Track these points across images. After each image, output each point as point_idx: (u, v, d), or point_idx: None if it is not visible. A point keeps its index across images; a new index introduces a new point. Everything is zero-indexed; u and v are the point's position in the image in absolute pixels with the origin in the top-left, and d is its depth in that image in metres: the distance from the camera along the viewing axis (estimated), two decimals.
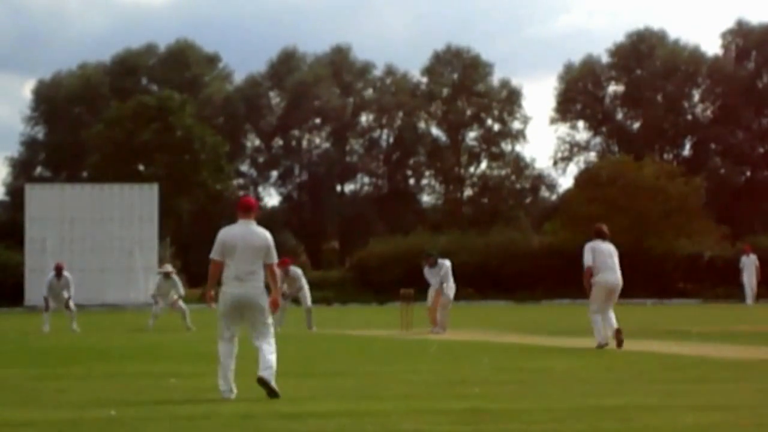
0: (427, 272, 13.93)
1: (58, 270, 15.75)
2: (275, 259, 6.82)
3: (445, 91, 41.84)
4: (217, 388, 6.67)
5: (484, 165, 42.57)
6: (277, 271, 14.53)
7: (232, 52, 55.31)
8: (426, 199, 43.46)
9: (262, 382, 6.51)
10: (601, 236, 10.92)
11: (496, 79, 41.96)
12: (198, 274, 29.69)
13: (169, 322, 16.00)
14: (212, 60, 43.07)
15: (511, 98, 41.79)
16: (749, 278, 22.58)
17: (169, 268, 16.31)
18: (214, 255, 6.72)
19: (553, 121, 41.79)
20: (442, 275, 13.78)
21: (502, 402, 6.20)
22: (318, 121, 41.73)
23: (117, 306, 25.40)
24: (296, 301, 15.15)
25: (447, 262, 13.95)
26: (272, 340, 6.69)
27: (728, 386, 6.89)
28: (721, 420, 5.42)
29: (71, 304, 15.53)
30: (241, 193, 41.02)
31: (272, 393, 6.50)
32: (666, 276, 28.89)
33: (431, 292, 13.86)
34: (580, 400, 6.19)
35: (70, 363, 9.55)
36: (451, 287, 13.85)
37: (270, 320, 6.77)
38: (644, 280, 28.56)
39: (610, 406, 5.97)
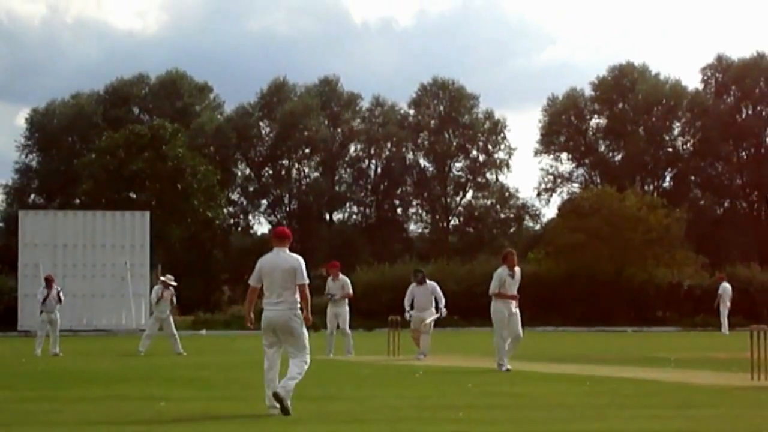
0: (414, 290, 13.94)
1: (49, 282, 16.19)
2: (306, 280, 7.21)
3: (432, 123, 42.32)
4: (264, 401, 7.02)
5: (469, 195, 42.98)
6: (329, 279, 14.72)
7: (223, 82, 55.81)
8: (413, 228, 43.77)
9: (277, 398, 6.84)
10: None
11: (481, 111, 42.51)
12: (189, 301, 29.73)
13: (160, 346, 16.15)
14: (203, 90, 43.29)
15: (495, 129, 42.25)
16: (722, 306, 23.22)
17: (170, 278, 16.39)
18: (251, 281, 7.26)
19: (537, 152, 42.35)
20: (437, 295, 13.82)
21: (486, 426, 6.32)
22: (307, 150, 42.02)
23: (108, 331, 25.47)
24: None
25: (435, 284, 14.14)
26: (304, 360, 7.09)
27: (707, 412, 7.05)
28: None
29: (57, 308, 15.97)
30: (232, 221, 41.22)
31: (285, 411, 6.81)
32: (646, 304, 29.26)
33: (414, 314, 13.78)
34: (562, 425, 6.31)
35: (63, 386, 9.66)
36: (440, 310, 13.85)
37: (304, 341, 7.15)
38: (625, 308, 28.94)
39: (591, 430, 6.10)
